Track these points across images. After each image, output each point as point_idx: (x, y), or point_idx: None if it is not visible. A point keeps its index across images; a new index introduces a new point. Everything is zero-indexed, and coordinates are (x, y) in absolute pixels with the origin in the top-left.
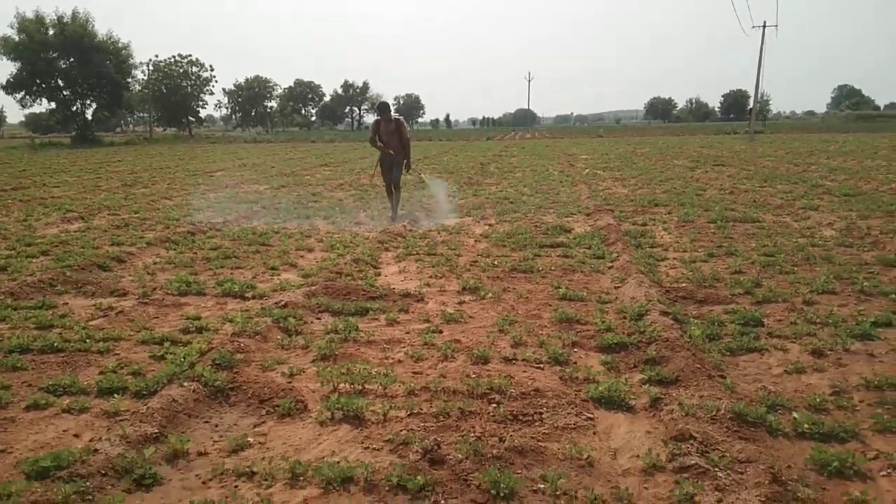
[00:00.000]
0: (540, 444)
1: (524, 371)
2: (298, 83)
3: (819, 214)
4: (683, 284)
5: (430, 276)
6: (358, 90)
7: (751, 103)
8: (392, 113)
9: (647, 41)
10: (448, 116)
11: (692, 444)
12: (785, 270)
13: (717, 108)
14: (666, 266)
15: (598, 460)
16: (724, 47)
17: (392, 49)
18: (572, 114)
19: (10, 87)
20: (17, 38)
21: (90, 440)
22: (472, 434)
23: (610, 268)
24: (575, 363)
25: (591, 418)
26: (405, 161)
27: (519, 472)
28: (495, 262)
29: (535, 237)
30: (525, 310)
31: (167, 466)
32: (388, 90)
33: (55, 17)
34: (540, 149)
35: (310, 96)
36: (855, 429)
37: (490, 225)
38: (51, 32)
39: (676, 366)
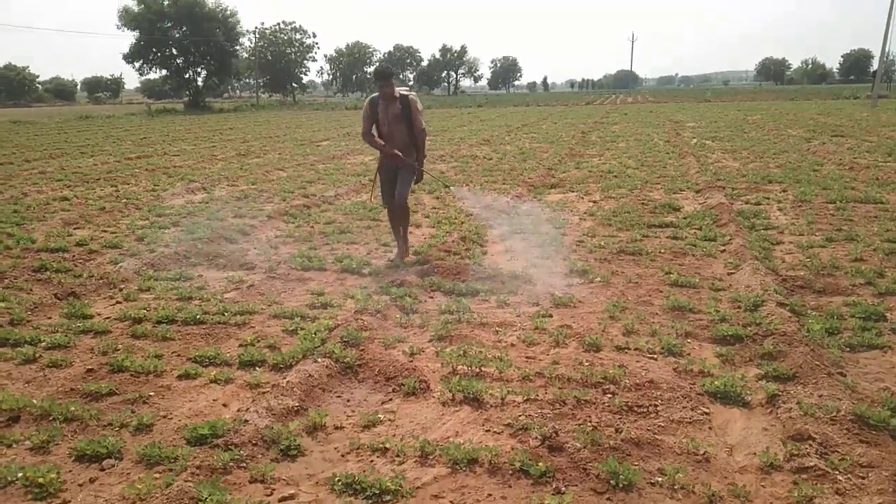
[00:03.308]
0: (656, 436)
1: (637, 361)
2: (397, 48)
3: None
4: (801, 272)
5: (537, 257)
6: (455, 54)
7: (875, 64)
8: (397, 87)
9: None
10: (545, 79)
11: (811, 445)
12: None
13: (835, 70)
14: (781, 251)
15: (714, 456)
16: (845, 2)
17: (490, 11)
18: (676, 75)
19: (131, 57)
20: (136, 10)
21: (238, 410)
22: (589, 423)
23: (722, 251)
24: (689, 354)
25: (706, 413)
26: (416, 165)
27: (636, 463)
28: (602, 243)
29: (643, 216)
30: (635, 295)
31: (308, 438)
32: (484, 54)
33: None
34: (643, 115)
35: (408, 61)
36: None
37: (594, 202)
38: (165, 3)
39: (794, 361)
